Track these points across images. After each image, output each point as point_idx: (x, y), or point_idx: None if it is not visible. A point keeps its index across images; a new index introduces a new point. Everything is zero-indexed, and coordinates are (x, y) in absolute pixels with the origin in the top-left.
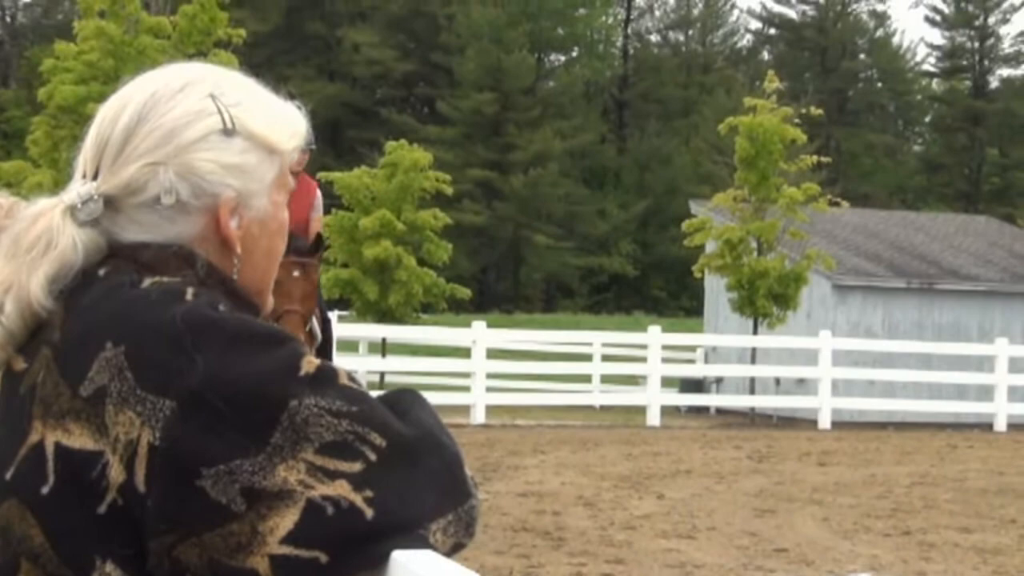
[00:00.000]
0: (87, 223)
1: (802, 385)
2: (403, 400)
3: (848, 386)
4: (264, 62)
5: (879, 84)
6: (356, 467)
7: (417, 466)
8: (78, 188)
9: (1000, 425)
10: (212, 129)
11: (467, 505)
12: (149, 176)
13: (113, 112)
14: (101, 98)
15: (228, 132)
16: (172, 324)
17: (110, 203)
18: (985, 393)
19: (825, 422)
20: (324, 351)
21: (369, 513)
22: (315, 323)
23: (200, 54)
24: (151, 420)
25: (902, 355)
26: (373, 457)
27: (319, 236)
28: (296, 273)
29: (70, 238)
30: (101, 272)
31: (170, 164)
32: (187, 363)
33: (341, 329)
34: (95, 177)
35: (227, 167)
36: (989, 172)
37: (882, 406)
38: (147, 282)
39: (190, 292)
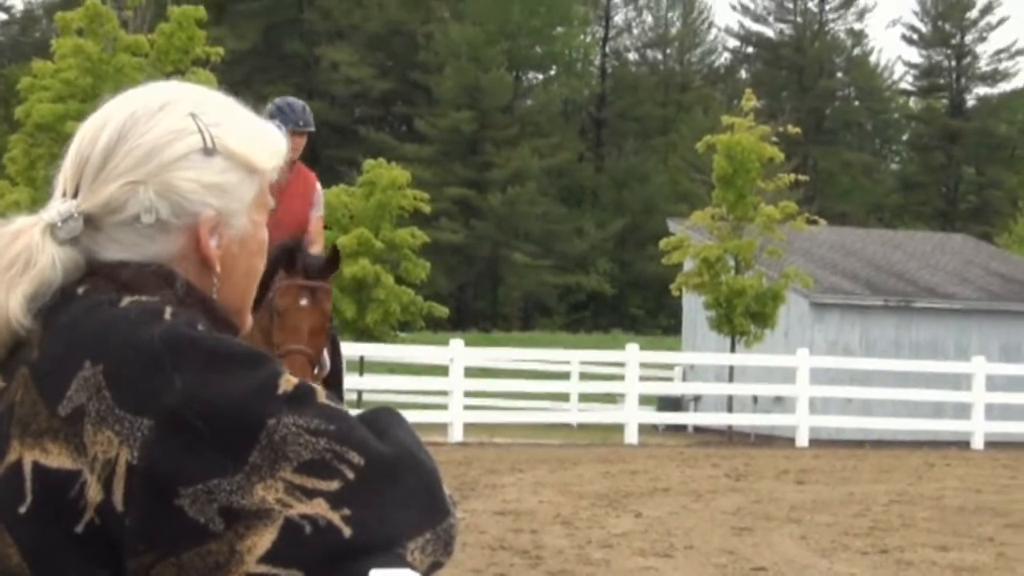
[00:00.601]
0: (67, 241)
1: (780, 403)
2: (381, 418)
3: (826, 404)
4: (242, 80)
5: (856, 102)
6: (334, 485)
7: (395, 484)
8: (58, 206)
9: (977, 443)
10: (193, 148)
11: (445, 523)
12: (129, 195)
13: (93, 131)
14: (79, 116)
15: (208, 151)
16: (150, 343)
17: (90, 221)
18: (962, 411)
19: (803, 440)
20: (334, 381)
21: (347, 532)
22: (324, 355)
23: (178, 72)
24: (129, 439)
25: (879, 373)
26: (351, 476)
27: (335, 251)
28: (304, 302)
29: (49, 257)
30: (79, 291)
31: (150, 183)
32: (165, 382)
33: None
34: (75, 195)
35: (207, 186)
36: (966, 191)
37: (860, 424)
38: (126, 301)
39: (168, 311)
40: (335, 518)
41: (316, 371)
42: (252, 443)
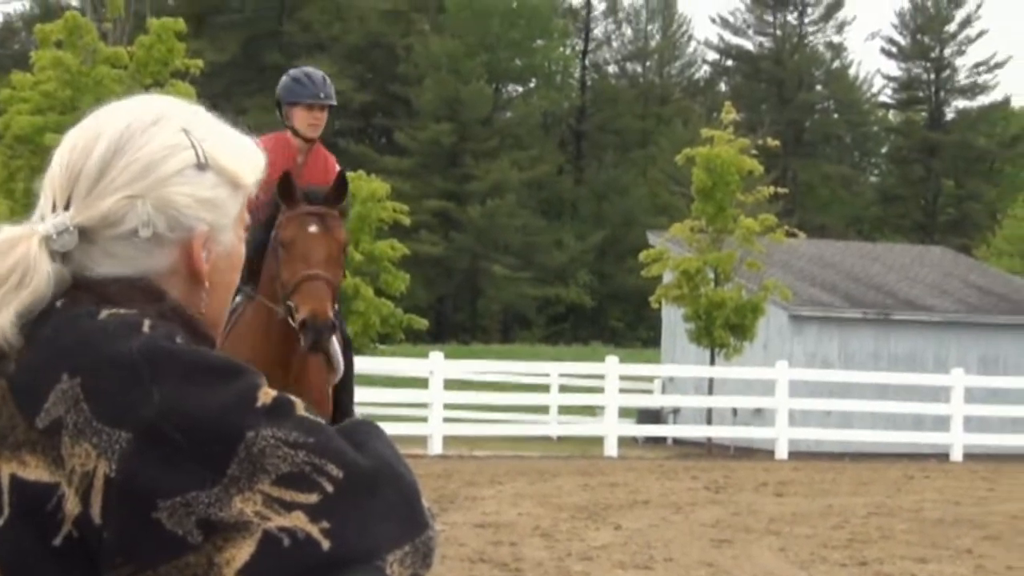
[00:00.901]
0: (59, 255)
1: (759, 416)
2: (360, 431)
3: (805, 416)
4: (222, 92)
5: (835, 115)
6: (313, 498)
7: (374, 497)
8: (53, 219)
9: (956, 455)
10: (188, 163)
11: (424, 536)
12: (128, 208)
13: (85, 142)
14: (58, 128)
15: (202, 166)
16: (129, 356)
17: (84, 235)
18: (941, 423)
19: (782, 452)
20: (345, 384)
21: (326, 544)
22: (336, 349)
23: (157, 84)
24: (107, 452)
25: (858, 385)
26: (330, 488)
27: (342, 176)
28: (313, 228)
29: (45, 272)
30: (58, 304)
31: (148, 197)
32: (144, 395)
33: None
34: (66, 208)
35: (201, 201)
36: (945, 203)
37: (839, 436)
38: (104, 314)
39: (147, 324)
40: (314, 531)
41: (331, 372)
42: (230, 455)
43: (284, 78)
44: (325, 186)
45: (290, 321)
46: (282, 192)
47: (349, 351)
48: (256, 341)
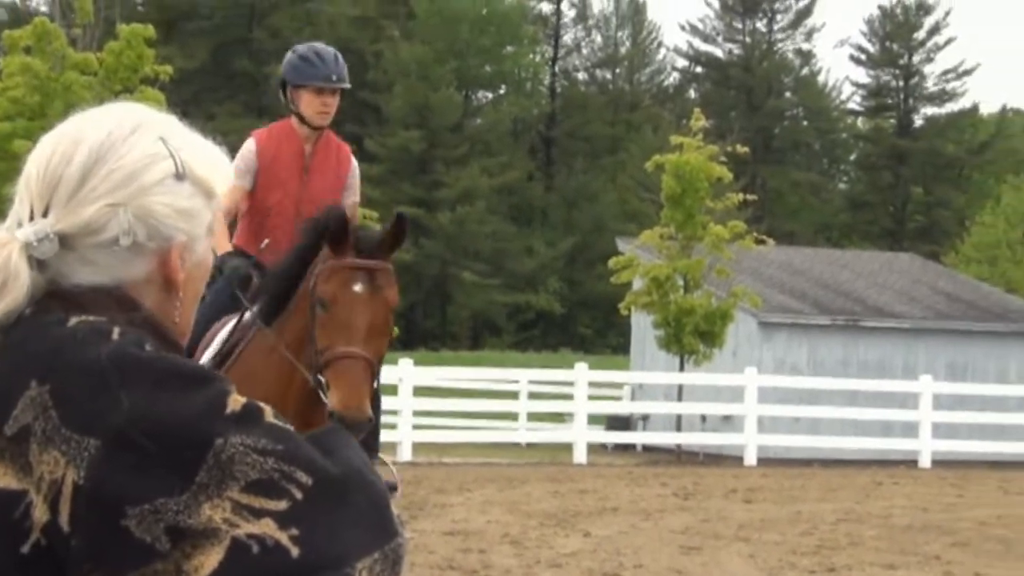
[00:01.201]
0: (37, 262)
1: (728, 422)
2: (329, 438)
3: (774, 423)
4: (191, 99)
5: (804, 122)
6: (282, 505)
7: (343, 504)
8: (32, 226)
9: (925, 461)
10: (167, 173)
11: (393, 543)
12: (109, 217)
13: (64, 149)
14: (27, 134)
15: (180, 176)
16: (98, 363)
17: (64, 242)
18: (910, 430)
19: (751, 459)
20: (373, 428)
21: (295, 552)
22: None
23: (127, 91)
24: (76, 459)
25: (827, 392)
26: (299, 495)
27: (401, 220)
28: (359, 287)
29: (25, 280)
30: (27, 311)
31: (129, 206)
32: (113, 402)
33: None
34: (44, 215)
35: (180, 211)
36: (913, 210)
37: (808, 443)
38: (74, 321)
39: (116, 331)
40: (283, 538)
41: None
42: (199, 463)
43: (290, 55)
44: (379, 231)
45: (320, 394)
46: (334, 235)
47: (378, 399)
48: (270, 396)
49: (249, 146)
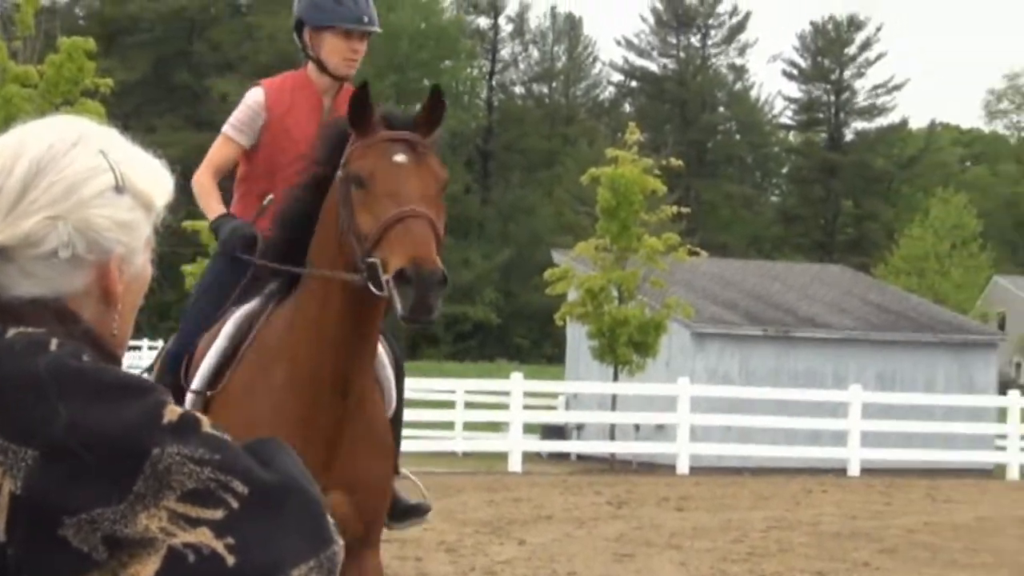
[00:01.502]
0: None
1: (661, 431)
2: (266, 448)
3: (706, 432)
4: (132, 112)
5: (737, 136)
6: (218, 514)
7: (279, 513)
8: None
9: (853, 470)
10: (107, 186)
11: (329, 551)
12: (49, 229)
13: (4, 161)
14: None
15: (120, 189)
16: (36, 374)
17: (3, 254)
18: (839, 438)
19: (684, 468)
20: (396, 419)
21: (231, 560)
22: (389, 374)
23: (67, 103)
24: (13, 469)
25: (759, 401)
26: (235, 504)
27: (437, 95)
28: (400, 157)
29: None
30: None
31: (69, 219)
32: (50, 412)
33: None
34: None
35: (119, 224)
36: (843, 223)
37: (739, 452)
38: (11, 332)
39: (54, 343)
40: (219, 547)
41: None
42: (136, 473)
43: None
44: (410, 114)
45: (372, 288)
46: (354, 113)
47: (401, 380)
48: (303, 338)
49: (256, 96)
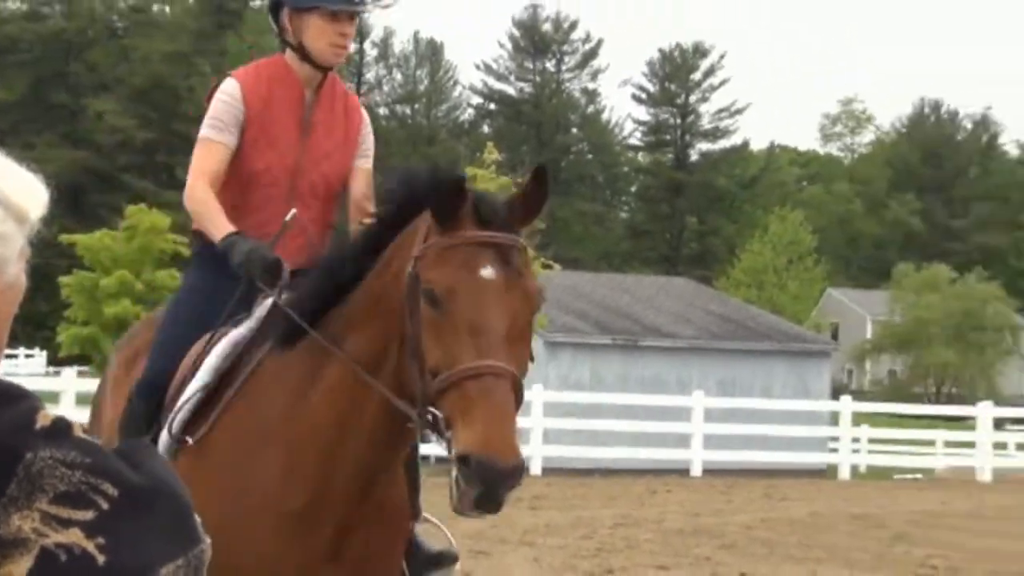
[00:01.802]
0: None
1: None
2: (137, 451)
3: (558, 435)
4: (10, 129)
5: (589, 156)
6: (89, 515)
7: (149, 513)
8: None
9: (696, 470)
10: None
11: (196, 550)
12: None
13: None
14: None
15: None
16: None
17: None
18: (683, 441)
19: (536, 469)
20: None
21: (101, 559)
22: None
23: None
24: None
25: (608, 406)
26: (105, 506)
27: (541, 172)
28: (490, 272)
29: None
30: None
31: None
32: None
33: (82, 384)
34: None
35: None
36: (688, 238)
37: (589, 454)
38: None
39: None
40: (89, 546)
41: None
42: (10, 476)
43: None
44: (507, 197)
45: (429, 435)
46: (445, 199)
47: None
48: (311, 438)
49: (230, 90)
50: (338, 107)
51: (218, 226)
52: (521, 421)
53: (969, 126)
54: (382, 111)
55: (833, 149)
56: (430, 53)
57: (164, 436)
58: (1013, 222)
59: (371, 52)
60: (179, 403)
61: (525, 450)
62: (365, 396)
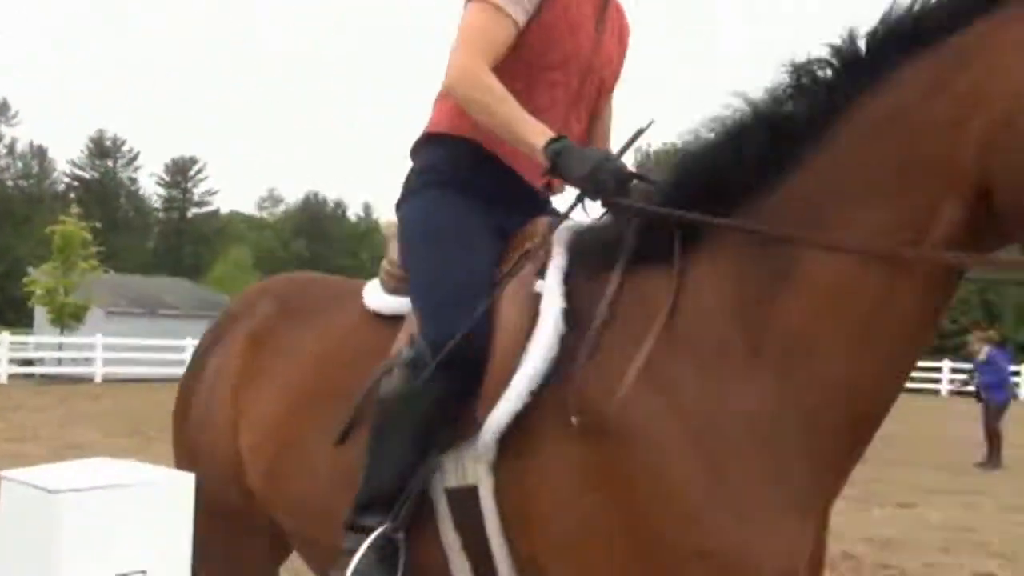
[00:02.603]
0: None
1: None
2: None
3: None
4: None
5: None
6: None
7: None
8: None
9: None
10: None
11: None
12: None
13: None
14: None
15: None
16: None
17: None
18: None
19: None
20: None
21: None
22: None
23: None
24: None
25: None
26: None
27: None
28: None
29: None
30: None
31: None
32: None
33: None
34: None
35: None
36: None
37: None
38: None
39: None
40: None
41: None
42: None
43: None
44: None
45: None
46: None
47: None
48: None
49: None
50: (616, 7)
51: (525, 124)
52: None
53: None
54: None
55: None
56: None
57: (501, 418)
58: None
59: None
60: (517, 378)
61: None
62: (897, 280)
